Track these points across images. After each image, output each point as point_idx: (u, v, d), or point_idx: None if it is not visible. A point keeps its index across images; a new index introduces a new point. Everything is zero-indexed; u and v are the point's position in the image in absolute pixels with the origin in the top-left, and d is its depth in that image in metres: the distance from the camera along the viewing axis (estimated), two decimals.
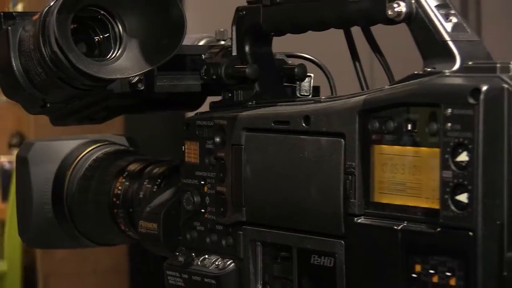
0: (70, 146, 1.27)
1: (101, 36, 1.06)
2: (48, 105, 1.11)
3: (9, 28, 1.08)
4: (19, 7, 4.11)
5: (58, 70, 1.03)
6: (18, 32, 1.08)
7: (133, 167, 1.22)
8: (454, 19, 0.95)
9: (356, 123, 0.94)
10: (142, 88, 1.12)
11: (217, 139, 1.06)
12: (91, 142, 1.27)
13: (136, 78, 1.10)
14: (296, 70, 1.12)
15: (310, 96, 1.13)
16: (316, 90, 1.13)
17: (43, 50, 1.02)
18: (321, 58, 1.17)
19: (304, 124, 0.98)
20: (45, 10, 1.02)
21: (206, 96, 1.17)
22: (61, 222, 1.26)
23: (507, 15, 2.49)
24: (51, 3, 1.02)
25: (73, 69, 1.01)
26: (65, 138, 1.28)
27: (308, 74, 1.12)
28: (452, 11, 0.96)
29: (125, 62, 1.04)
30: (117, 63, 1.04)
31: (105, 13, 1.05)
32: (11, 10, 4.34)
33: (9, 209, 3.67)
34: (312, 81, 1.13)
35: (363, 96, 0.95)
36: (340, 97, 0.99)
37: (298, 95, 1.12)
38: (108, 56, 1.05)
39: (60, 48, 1.00)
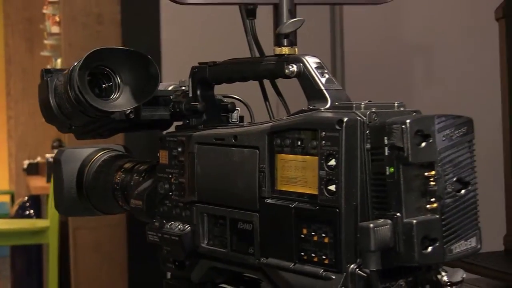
0: (87, 152, 1.26)
1: (106, 84, 1.03)
2: (73, 127, 1.09)
3: (48, 79, 1.06)
4: (59, 62, 4.04)
5: (79, 105, 1.00)
6: (54, 81, 1.06)
7: (127, 165, 1.20)
8: (327, 76, 0.95)
9: (266, 140, 0.92)
10: (133, 116, 1.10)
11: (179, 149, 1.04)
12: (101, 149, 1.26)
13: (129, 111, 1.07)
14: (229, 105, 1.10)
15: (237, 122, 1.10)
16: (241, 118, 1.11)
17: (70, 93, 1.00)
18: (245, 97, 1.14)
19: (233, 140, 0.97)
20: (71, 68, 1.00)
21: (172, 122, 1.14)
22: (81, 200, 1.25)
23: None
24: (75, 63, 1.00)
25: (89, 105, 0.99)
26: (84, 147, 1.26)
27: (236, 108, 1.10)
28: (325, 71, 0.95)
29: (121, 101, 1.03)
30: (116, 102, 1.03)
31: (109, 70, 1.02)
32: (53, 64, 4.28)
33: (51, 187, 3.60)
34: (238, 113, 1.11)
35: (270, 124, 0.94)
36: (255, 124, 0.97)
37: (230, 121, 1.10)
38: (111, 97, 1.03)
39: (80, 93, 0.97)
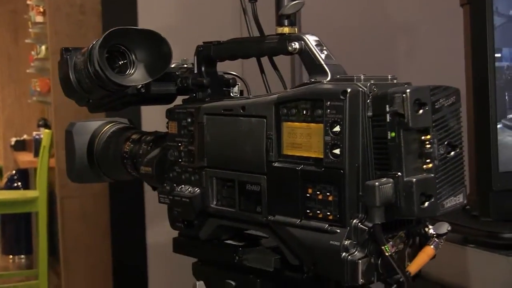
0: (97, 124, 1.23)
1: (121, 62, 1.01)
2: (90, 101, 1.05)
3: (68, 57, 1.02)
4: (43, 48, 3.95)
5: (98, 80, 0.98)
6: (73, 59, 1.02)
7: (134, 136, 1.18)
8: (325, 52, 0.94)
9: (273, 110, 0.91)
10: (143, 91, 1.07)
11: (189, 119, 1.02)
12: (109, 122, 1.24)
13: (141, 85, 1.04)
14: (230, 81, 1.08)
15: (238, 95, 1.09)
16: (241, 92, 1.09)
17: (89, 69, 0.97)
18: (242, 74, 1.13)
19: (241, 111, 0.95)
20: (90, 46, 0.97)
21: (176, 96, 1.11)
22: (92, 168, 1.22)
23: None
24: (94, 42, 0.97)
25: (108, 80, 0.96)
26: (92, 120, 1.24)
27: (237, 83, 1.08)
28: (324, 48, 0.94)
29: (136, 76, 1.00)
30: (132, 77, 1.00)
31: (124, 48, 1.00)
32: (38, 50, 4.19)
33: (38, 161, 3.54)
34: (238, 87, 1.09)
35: (276, 95, 0.92)
36: (261, 96, 0.95)
37: (232, 95, 1.08)
38: (126, 73, 1.00)
39: (100, 68, 0.95)
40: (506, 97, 1.22)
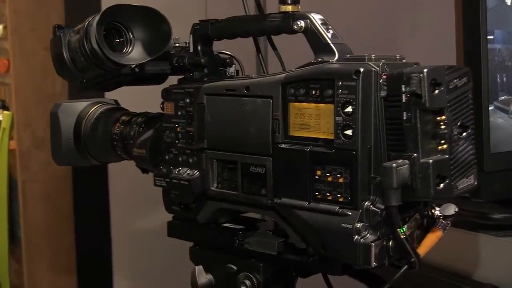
0: (83, 105, 1.19)
1: (118, 40, 0.97)
2: (84, 81, 1.01)
3: (61, 34, 0.98)
4: (0, 27, 3.83)
5: (95, 59, 0.94)
6: (66, 36, 0.98)
7: (124, 117, 1.15)
8: (331, 31, 0.92)
9: (279, 89, 0.89)
10: (138, 70, 1.03)
11: (187, 100, 1.00)
12: (96, 103, 1.20)
13: (135, 65, 1.01)
14: (227, 60, 1.05)
15: (234, 75, 1.06)
16: (237, 72, 1.07)
17: (86, 47, 0.93)
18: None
19: (245, 91, 0.92)
20: (86, 23, 0.93)
21: (168, 76, 1.09)
22: (79, 150, 1.19)
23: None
24: (90, 19, 0.93)
25: (106, 58, 0.93)
26: (79, 100, 1.20)
27: (233, 63, 1.06)
28: (330, 26, 0.92)
29: (135, 55, 0.97)
30: (129, 56, 0.97)
31: (121, 26, 0.96)
32: None
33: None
34: (235, 67, 1.06)
35: (283, 74, 0.90)
36: (265, 75, 0.93)
37: (228, 74, 1.06)
38: (123, 51, 0.97)
39: (98, 46, 0.91)
40: (498, 79, 1.22)
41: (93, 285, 2.76)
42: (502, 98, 1.23)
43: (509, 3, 1.25)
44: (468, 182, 0.83)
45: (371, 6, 2.40)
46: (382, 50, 0.89)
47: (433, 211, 0.90)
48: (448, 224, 0.89)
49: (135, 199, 2.54)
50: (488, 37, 1.20)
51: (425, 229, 0.89)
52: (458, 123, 0.82)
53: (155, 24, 0.96)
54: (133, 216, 2.66)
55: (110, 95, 1.22)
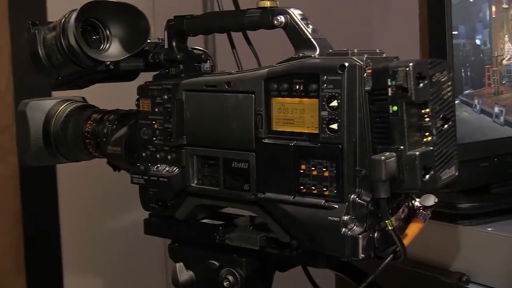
0: (52, 103, 1.18)
1: (94, 37, 0.96)
2: (59, 78, 0.99)
3: (36, 31, 0.97)
4: None
5: (72, 55, 0.93)
6: (41, 33, 0.96)
7: (95, 115, 1.14)
8: (311, 26, 0.92)
9: (262, 85, 0.89)
10: (112, 67, 1.02)
11: (165, 96, 0.99)
12: (64, 100, 1.19)
13: (109, 62, 1.00)
14: (202, 56, 1.05)
15: (210, 71, 1.06)
16: (211, 68, 1.06)
17: (63, 44, 0.92)
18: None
19: (226, 87, 0.92)
20: (63, 20, 0.92)
21: (139, 73, 1.08)
22: (48, 148, 1.17)
23: None
24: (66, 15, 0.92)
25: (84, 55, 0.92)
26: (47, 98, 1.18)
27: (208, 58, 1.06)
28: (309, 22, 0.93)
29: (112, 52, 0.96)
30: (107, 52, 0.96)
31: (98, 22, 0.95)
32: None
33: None
34: (209, 63, 1.06)
35: (266, 70, 0.90)
36: (246, 71, 0.93)
37: (203, 70, 1.05)
38: (100, 48, 0.95)
39: (77, 43, 0.90)
40: (462, 74, 1.25)
41: (43, 286, 2.71)
42: (467, 92, 1.26)
43: (471, 0, 1.28)
44: (450, 173, 0.85)
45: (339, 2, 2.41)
46: (352, 45, 0.91)
47: (413, 202, 0.92)
48: (429, 214, 0.91)
49: (84, 198, 2.50)
50: (453, 32, 1.22)
51: (405, 220, 0.91)
52: (441, 116, 0.84)
53: (133, 20, 0.95)
54: (83, 215, 2.62)
55: (74, 93, 1.20)
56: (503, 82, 1.35)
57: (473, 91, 1.27)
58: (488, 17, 1.31)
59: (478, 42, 1.30)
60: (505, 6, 1.36)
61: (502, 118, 1.34)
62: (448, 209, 1.26)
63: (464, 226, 1.24)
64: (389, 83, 0.80)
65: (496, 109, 1.33)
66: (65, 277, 2.66)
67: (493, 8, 1.33)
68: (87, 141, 1.11)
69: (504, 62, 1.35)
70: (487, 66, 1.31)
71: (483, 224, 1.24)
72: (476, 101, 1.27)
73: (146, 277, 2.33)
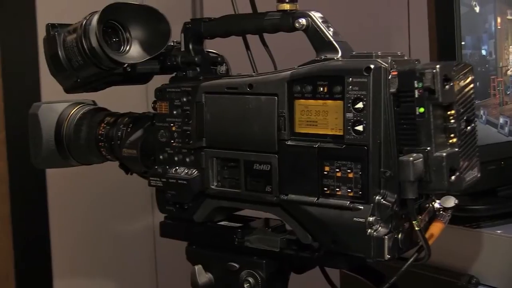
0: (63, 106, 1.17)
1: (114, 39, 0.96)
2: (79, 80, 0.99)
3: (56, 33, 0.96)
4: None
5: (93, 57, 0.92)
6: (61, 35, 0.96)
7: (109, 118, 1.14)
8: (332, 29, 0.93)
9: (285, 87, 0.90)
10: (129, 70, 1.02)
11: (184, 99, 0.99)
12: (76, 103, 1.18)
13: (127, 64, 1.00)
14: (219, 59, 1.05)
15: (225, 74, 1.06)
16: (227, 71, 1.07)
17: (84, 46, 0.91)
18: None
19: (248, 89, 0.93)
20: (84, 22, 0.92)
21: (153, 76, 1.08)
22: (60, 151, 1.17)
23: None
24: (87, 17, 0.91)
25: (105, 57, 0.91)
26: (58, 101, 1.17)
27: (224, 61, 1.06)
28: (330, 24, 0.93)
29: (133, 54, 0.96)
30: (127, 55, 0.96)
31: (118, 25, 0.95)
32: None
33: None
34: (226, 66, 1.06)
35: (289, 72, 0.90)
36: (267, 73, 0.93)
37: (219, 73, 1.06)
38: (120, 50, 0.95)
39: (99, 45, 0.90)
40: None
41: None
42: None
43: (477, 11, 1.29)
44: (473, 174, 0.86)
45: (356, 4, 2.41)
46: (364, 48, 0.91)
47: (432, 203, 0.92)
48: (449, 216, 0.92)
49: (74, 202, 2.49)
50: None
51: (427, 222, 0.92)
52: (464, 117, 0.84)
53: (154, 23, 0.95)
54: (73, 219, 2.60)
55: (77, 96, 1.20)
56: (508, 92, 1.36)
57: (479, 101, 1.28)
58: (493, 28, 1.33)
59: (484, 52, 1.31)
60: (510, 17, 1.38)
61: (506, 129, 1.36)
62: (456, 211, 1.27)
63: (473, 229, 1.25)
64: (416, 85, 0.81)
65: (501, 120, 1.34)
66: (55, 281, 2.65)
67: (498, 19, 1.34)
68: (100, 144, 1.11)
69: (509, 72, 1.37)
70: (492, 77, 1.32)
71: (492, 227, 1.25)
72: (482, 112, 1.29)
73: (136, 281, 2.32)
